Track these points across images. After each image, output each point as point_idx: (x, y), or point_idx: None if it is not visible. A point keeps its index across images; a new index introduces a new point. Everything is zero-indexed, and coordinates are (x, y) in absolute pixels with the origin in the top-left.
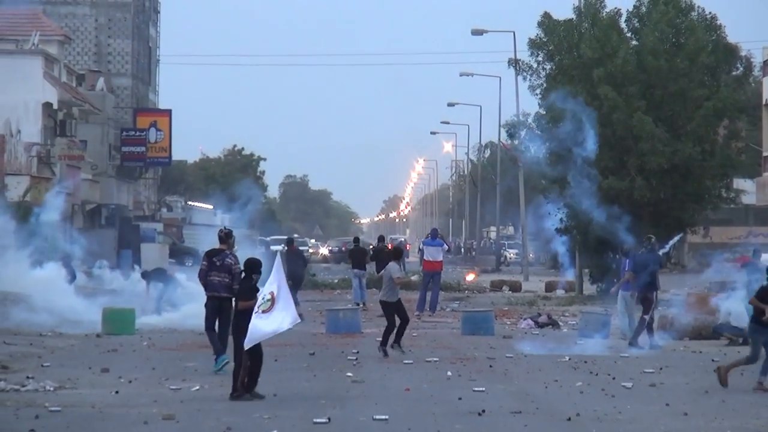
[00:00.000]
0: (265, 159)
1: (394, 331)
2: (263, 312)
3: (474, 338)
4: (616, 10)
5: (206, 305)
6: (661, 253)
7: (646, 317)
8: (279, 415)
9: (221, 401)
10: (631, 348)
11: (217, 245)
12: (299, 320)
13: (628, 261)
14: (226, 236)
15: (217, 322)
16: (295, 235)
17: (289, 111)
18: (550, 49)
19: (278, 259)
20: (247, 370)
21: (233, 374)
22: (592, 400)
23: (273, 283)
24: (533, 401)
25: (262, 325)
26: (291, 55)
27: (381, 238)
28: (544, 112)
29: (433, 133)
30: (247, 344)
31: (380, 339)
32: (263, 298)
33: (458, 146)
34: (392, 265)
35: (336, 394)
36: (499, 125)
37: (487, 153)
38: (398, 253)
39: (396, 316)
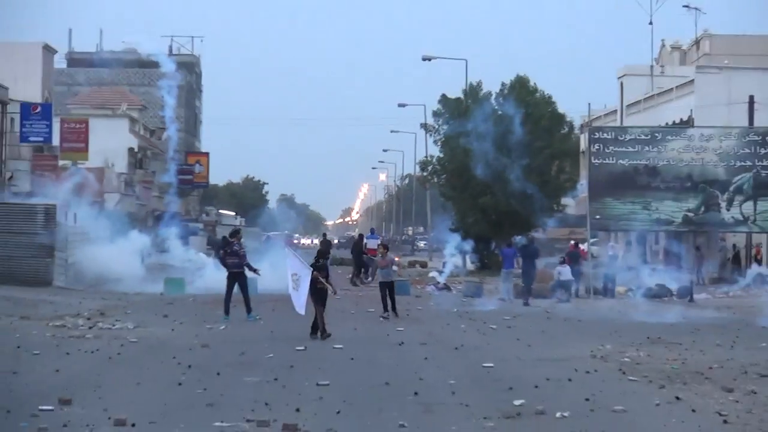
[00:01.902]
0: (267, 183)
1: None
2: (293, 288)
3: (398, 297)
4: (488, 91)
5: (227, 278)
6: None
7: (531, 286)
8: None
9: (238, 337)
10: (525, 306)
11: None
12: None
13: (511, 250)
14: (233, 233)
15: (237, 288)
16: (286, 231)
17: (286, 146)
18: (446, 116)
19: (290, 252)
20: (322, 317)
21: (312, 323)
22: (471, 336)
23: (294, 269)
24: (434, 336)
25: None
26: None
27: (361, 237)
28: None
29: (373, 168)
30: (299, 310)
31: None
32: (293, 277)
33: (390, 176)
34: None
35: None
36: (415, 163)
37: (407, 181)
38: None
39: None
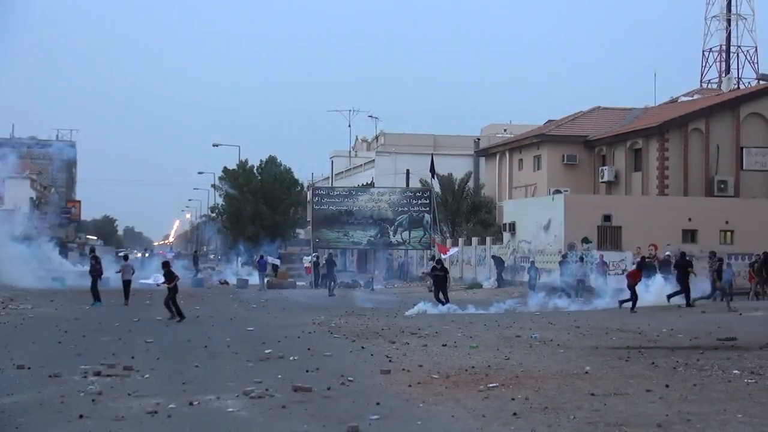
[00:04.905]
0: (117, 219)
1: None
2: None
3: (196, 289)
4: (252, 165)
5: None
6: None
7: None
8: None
9: (96, 314)
10: (332, 296)
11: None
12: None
13: (263, 260)
14: (91, 251)
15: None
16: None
17: (131, 197)
18: (227, 180)
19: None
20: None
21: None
22: (240, 312)
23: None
24: (218, 312)
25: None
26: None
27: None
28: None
29: (182, 210)
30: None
31: None
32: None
33: (193, 215)
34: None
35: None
36: (208, 207)
37: (203, 219)
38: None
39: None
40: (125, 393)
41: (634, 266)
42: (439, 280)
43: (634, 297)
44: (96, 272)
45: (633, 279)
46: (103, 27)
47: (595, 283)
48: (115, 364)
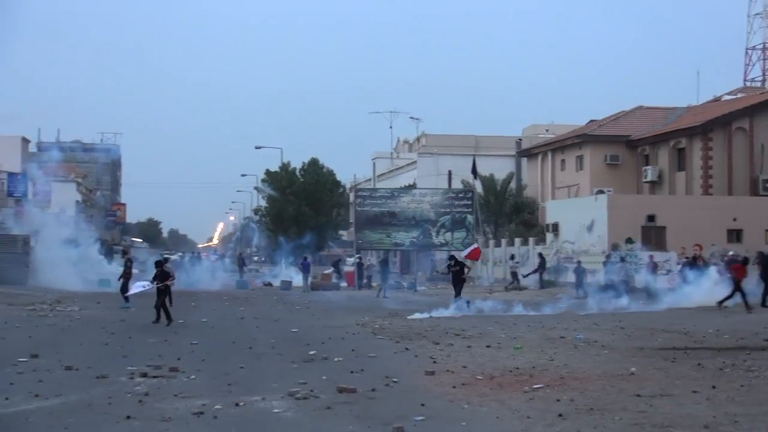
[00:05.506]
0: (161, 222)
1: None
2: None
3: (237, 291)
4: (294, 167)
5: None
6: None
7: (387, 283)
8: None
9: (141, 316)
10: (384, 297)
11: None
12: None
13: (306, 261)
14: (124, 252)
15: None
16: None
17: (177, 199)
18: (269, 182)
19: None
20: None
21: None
22: (284, 313)
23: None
24: (262, 313)
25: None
26: None
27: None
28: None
29: (226, 212)
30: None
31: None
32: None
33: (237, 217)
34: None
35: None
36: (252, 210)
37: (247, 221)
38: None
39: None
40: (171, 394)
41: (738, 261)
42: (456, 276)
43: (740, 292)
44: (126, 275)
45: (738, 274)
46: (144, 28)
47: (644, 283)
48: (161, 365)
